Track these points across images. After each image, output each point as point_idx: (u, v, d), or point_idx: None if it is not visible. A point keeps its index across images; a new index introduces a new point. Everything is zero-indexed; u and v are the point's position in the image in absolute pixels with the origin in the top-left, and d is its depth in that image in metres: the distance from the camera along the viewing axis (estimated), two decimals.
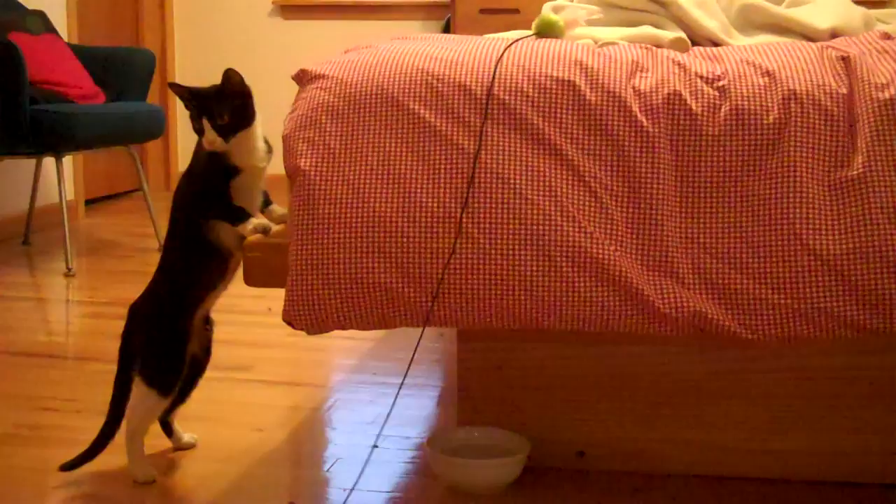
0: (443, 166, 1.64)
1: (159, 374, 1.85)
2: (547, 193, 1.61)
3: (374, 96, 1.70)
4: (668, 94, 1.66)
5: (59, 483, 1.86)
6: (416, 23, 5.70)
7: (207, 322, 1.96)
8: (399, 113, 1.68)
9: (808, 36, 2.11)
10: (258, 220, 1.79)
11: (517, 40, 1.81)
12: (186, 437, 2.03)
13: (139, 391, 1.85)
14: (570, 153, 1.63)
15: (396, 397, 2.30)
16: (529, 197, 1.61)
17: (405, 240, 1.62)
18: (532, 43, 1.79)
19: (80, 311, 3.26)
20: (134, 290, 1.96)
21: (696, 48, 1.98)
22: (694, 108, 1.64)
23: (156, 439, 1.98)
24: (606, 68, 1.69)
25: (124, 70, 4.30)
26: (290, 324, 1.69)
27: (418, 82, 1.69)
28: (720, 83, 1.68)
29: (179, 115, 5.84)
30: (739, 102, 1.64)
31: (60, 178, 3.83)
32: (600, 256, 1.59)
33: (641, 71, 1.71)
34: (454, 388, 2.06)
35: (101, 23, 5.43)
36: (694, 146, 1.63)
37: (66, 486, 1.85)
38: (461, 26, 4.33)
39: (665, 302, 1.59)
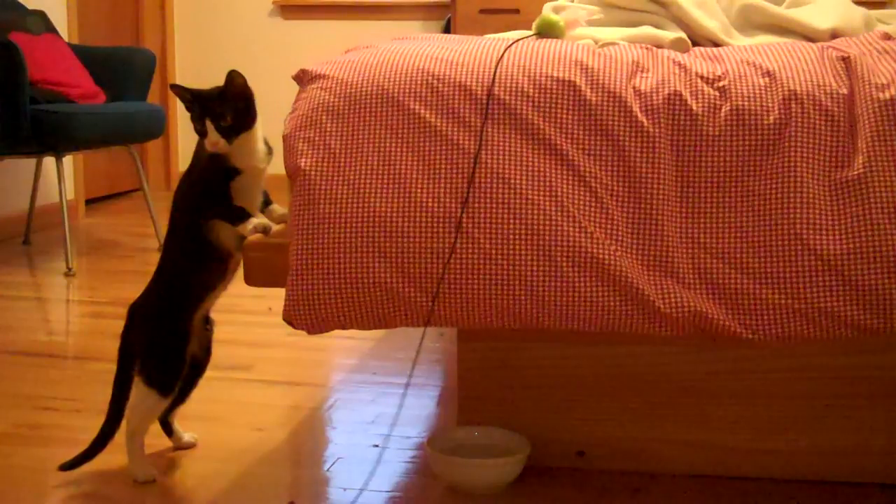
0: (443, 166, 1.64)
1: (159, 373, 1.85)
2: (547, 193, 1.61)
3: (374, 96, 1.70)
4: (669, 94, 1.66)
5: (59, 482, 1.86)
6: (416, 23, 5.70)
7: (207, 322, 1.96)
8: (399, 113, 1.68)
9: (809, 36, 2.11)
10: (258, 220, 1.79)
11: (517, 40, 1.81)
12: (186, 436, 2.03)
13: (139, 391, 1.85)
14: (570, 153, 1.63)
15: (404, 397, 2.31)
16: (530, 197, 1.61)
17: (405, 239, 1.62)
18: (532, 43, 1.79)
19: (81, 310, 3.26)
20: (134, 289, 1.96)
21: (696, 48, 1.98)
22: (694, 108, 1.65)
23: (156, 439, 1.98)
24: (607, 68, 1.69)
25: (124, 70, 4.30)
26: (290, 323, 1.69)
27: (419, 82, 1.69)
28: (721, 83, 1.68)
29: (179, 114, 5.84)
30: (740, 103, 1.64)
31: (60, 177, 3.83)
32: (600, 256, 1.59)
33: (642, 71, 1.71)
34: (454, 388, 2.06)
35: (101, 22, 5.43)
36: (694, 146, 1.63)
37: (66, 485, 1.85)
38: (461, 26, 4.33)
39: (665, 302, 1.59)
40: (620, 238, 1.61)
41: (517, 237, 1.60)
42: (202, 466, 1.94)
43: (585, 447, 1.91)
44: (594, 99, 1.65)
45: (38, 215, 4.43)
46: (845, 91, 1.66)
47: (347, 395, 2.35)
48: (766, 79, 1.68)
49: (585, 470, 1.91)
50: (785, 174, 1.61)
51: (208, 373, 1.99)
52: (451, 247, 1.61)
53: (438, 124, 1.66)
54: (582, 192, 1.62)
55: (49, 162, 4.49)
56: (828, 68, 1.70)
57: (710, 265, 1.61)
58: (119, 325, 1.89)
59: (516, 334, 1.90)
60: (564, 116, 1.65)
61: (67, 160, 4.74)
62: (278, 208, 1.91)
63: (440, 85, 1.68)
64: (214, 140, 1.76)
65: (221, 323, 2.06)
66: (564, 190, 1.62)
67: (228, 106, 1.76)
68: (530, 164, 1.63)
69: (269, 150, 1.86)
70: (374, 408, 2.26)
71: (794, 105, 1.64)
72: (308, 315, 1.66)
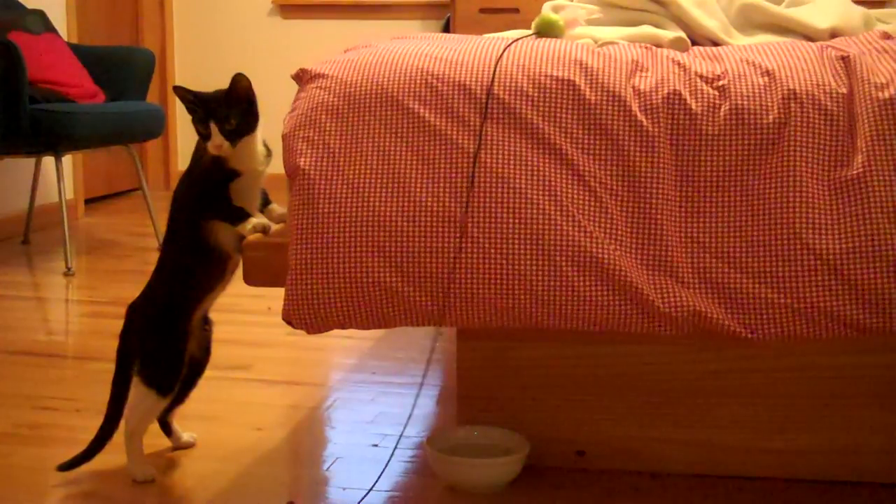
0: (442, 165, 1.64)
1: (158, 374, 1.85)
2: (547, 193, 1.61)
3: (373, 95, 1.70)
4: (668, 93, 1.66)
5: (58, 482, 1.86)
6: (415, 22, 5.70)
7: (206, 322, 1.96)
8: (399, 112, 1.68)
9: (808, 36, 2.11)
10: (257, 220, 1.79)
11: (517, 40, 1.81)
12: (186, 436, 2.03)
13: (138, 391, 1.85)
14: (569, 152, 1.63)
15: (417, 397, 2.31)
16: (529, 196, 1.61)
17: (405, 239, 1.62)
18: (532, 42, 1.79)
19: (80, 310, 3.26)
20: (133, 289, 1.96)
21: (695, 48, 1.98)
22: (694, 107, 1.64)
23: (155, 438, 1.98)
24: (606, 68, 1.69)
25: (124, 69, 4.30)
26: (289, 323, 1.69)
27: (418, 82, 1.69)
28: (720, 83, 1.68)
29: (179, 114, 5.84)
30: (739, 102, 1.64)
31: (60, 177, 3.83)
32: (600, 256, 1.59)
33: (641, 70, 1.71)
34: (453, 387, 2.06)
35: (100, 22, 5.43)
36: (694, 145, 1.63)
37: (66, 484, 1.85)
38: (461, 26, 4.34)
39: (664, 301, 1.59)
40: (620, 237, 1.61)
41: (516, 236, 1.60)
42: (201, 466, 1.94)
43: (585, 446, 1.91)
44: (593, 98, 1.65)
45: (37, 215, 4.43)
46: (845, 90, 1.66)
47: (347, 395, 2.35)
48: (766, 78, 1.68)
49: (585, 469, 1.91)
50: (784, 173, 1.61)
51: (207, 372, 1.99)
52: (450, 246, 1.61)
53: (438, 123, 1.66)
54: (581, 192, 1.62)
55: (48, 161, 4.49)
56: (827, 68, 1.70)
57: (710, 264, 1.61)
58: (118, 325, 1.89)
59: (516, 333, 1.90)
60: (564, 116, 1.65)
61: (67, 160, 4.74)
62: (277, 208, 1.91)
63: (439, 84, 1.68)
64: (218, 143, 1.76)
65: (220, 322, 2.06)
66: (563, 189, 1.62)
67: (233, 109, 1.76)
68: (529, 163, 1.63)
69: (269, 153, 1.86)
70: (374, 407, 2.26)
71: (793, 104, 1.64)
72: (307, 314, 1.66)
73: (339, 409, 2.26)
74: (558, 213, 1.60)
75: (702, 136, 1.63)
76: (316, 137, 1.69)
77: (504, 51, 1.74)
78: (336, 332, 1.74)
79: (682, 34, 2.01)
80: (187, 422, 2.07)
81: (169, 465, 1.95)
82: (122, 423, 1.88)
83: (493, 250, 1.60)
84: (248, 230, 1.77)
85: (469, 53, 1.74)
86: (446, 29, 5.02)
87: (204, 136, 1.77)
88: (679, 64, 1.72)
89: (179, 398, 1.96)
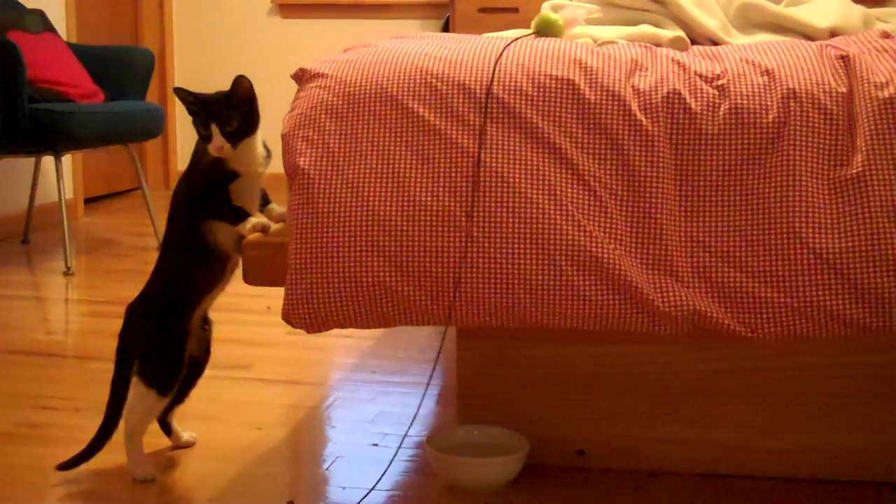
0: (442, 165, 1.64)
1: (158, 373, 1.85)
2: (546, 192, 1.61)
3: (373, 95, 1.70)
4: (668, 92, 1.66)
5: (58, 481, 1.86)
6: (415, 21, 5.70)
7: (206, 322, 1.96)
8: (398, 112, 1.68)
9: (808, 35, 2.11)
10: (257, 219, 1.79)
11: (516, 39, 1.81)
12: (185, 435, 2.03)
13: (138, 391, 1.85)
14: (569, 152, 1.63)
15: (423, 397, 2.31)
16: (529, 195, 1.61)
17: (404, 238, 1.62)
18: (531, 42, 1.79)
19: (79, 309, 3.26)
20: (133, 288, 1.96)
21: (695, 47, 1.98)
22: (693, 106, 1.64)
23: (155, 438, 1.98)
24: (606, 67, 1.69)
25: (123, 69, 4.29)
26: (289, 322, 1.69)
27: (418, 81, 1.69)
28: (719, 82, 1.68)
29: (179, 114, 5.84)
30: (739, 101, 1.64)
31: (59, 176, 3.83)
32: (600, 255, 1.59)
33: (641, 70, 1.71)
34: (454, 386, 2.06)
35: (100, 21, 5.43)
36: (693, 145, 1.63)
37: (65, 483, 1.85)
38: (460, 25, 4.34)
39: (665, 301, 1.59)
40: (619, 237, 1.61)
41: (516, 236, 1.60)
42: (201, 465, 1.94)
43: (585, 446, 1.91)
44: (593, 98, 1.65)
45: (36, 214, 4.42)
46: (844, 90, 1.66)
47: (347, 394, 2.35)
48: (765, 77, 1.68)
49: (585, 469, 1.91)
50: (784, 173, 1.61)
51: (207, 371, 1.99)
52: (448, 245, 1.61)
53: (437, 123, 1.66)
54: (581, 191, 1.62)
55: (48, 161, 4.49)
56: (827, 67, 1.70)
57: (710, 264, 1.61)
58: (118, 325, 1.89)
59: (516, 333, 1.89)
60: (563, 115, 1.65)
61: (66, 159, 4.73)
62: (277, 207, 1.91)
63: (439, 84, 1.68)
64: (220, 145, 1.76)
65: (220, 322, 2.06)
66: (563, 188, 1.62)
67: (234, 111, 1.76)
68: (529, 162, 1.63)
69: (268, 154, 1.86)
70: (374, 406, 2.26)
71: (792, 103, 1.64)
72: (307, 314, 1.66)
73: (339, 409, 2.26)
74: (558, 212, 1.60)
75: (701, 135, 1.63)
76: (316, 137, 1.69)
77: (504, 50, 1.74)
78: (336, 331, 1.74)
79: (682, 33, 2.01)
80: (187, 421, 2.07)
81: (169, 464, 1.95)
82: (122, 423, 1.88)
83: (492, 249, 1.60)
84: (247, 230, 1.77)
85: (468, 53, 1.74)
86: (446, 28, 5.02)
87: (205, 138, 1.77)
88: (679, 63, 1.72)
89: (179, 398, 1.95)
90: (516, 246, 1.60)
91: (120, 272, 3.74)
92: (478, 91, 1.67)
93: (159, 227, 4.16)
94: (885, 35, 1.83)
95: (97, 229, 4.66)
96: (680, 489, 1.83)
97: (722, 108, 1.64)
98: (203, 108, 1.76)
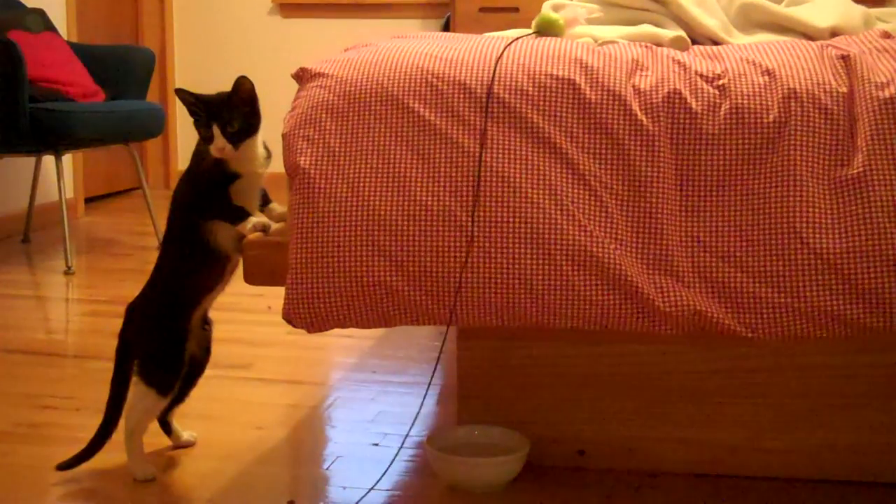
0: (442, 165, 1.64)
1: (158, 373, 1.85)
2: (547, 192, 1.61)
3: (374, 95, 1.70)
4: (669, 92, 1.66)
5: (58, 480, 1.86)
6: (415, 21, 5.70)
7: (206, 322, 1.96)
8: (399, 111, 1.68)
9: (808, 35, 2.11)
10: (257, 219, 1.79)
11: (517, 39, 1.81)
12: (186, 435, 2.03)
13: (138, 390, 1.85)
14: (570, 152, 1.63)
15: (425, 396, 2.30)
16: (529, 195, 1.61)
17: (404, 237, 1.62)
18: (532, 41, 1.79)
19: (80, 309, 3.26)
20: (133, 288, 1.96)
21: (695, 47, 1.98)
22: (694, 106, 1.64)
23: (155, 437, 1.98)
24: (606, 67, 1.69)
25: (124, 68, 4.29)
26: (289, 322, 1.69)
27: (418, 81, 1.69)
28: (720, 82, 1.68)
29: (179, 113, 5.84)
30: (739, 101, 1.64)
31: (60, 176, 3.83)
32: (600, 255, 1.59)
33: (641, 69, 1.71)
34: (454, 386, 2.06)
35: (100, 21, 5.43)
36: (694, 145, 1.63)
37: (65, 483, 1.85)
38: (461, 25, 4.33)
39: (665, 300, 1.59)
40: (620, 236, 1.61)
41: (516, 236, 1.60)
42: (201, 465, 1.94)
43: (585, 446, 1.91)
44: (594, 97, 1.65)
45: (37, 214, 4.42)
46: (845, 90, 1.66)
47: (347, 394, 2.35)
48: (766, 77, 1.68)
49: (586, 469, 1.91)
50: (784, 173, 1.61)
51: (207, 371, 1.98)
52: (449, 244, 1.61)
53: (438, 123, 1.66)
54: (581, 191, 1.62)
55: (48, 160, 4.49)
56: (827, 67, 1.70)
57: (710, 264, 1.61)
58: (118, 324, 1.89)
59: (516, 332, 1.89)
60: (564, 115, 1.65)
61: (67, 159, 4.73)
62: (277, 207, 1.90)
63: (440, 83, 1.68)
64: (221, 146, 1.76)
65: (220, 321, 2.06)
66: (564, 188, 1.62)
67: (236, 112, 1.76)
68: (530, 162, 1.63)
69: (269, 154, 1.86)
70: (374, 406, 2.26)
71: (793, 103, 1.64)
72: (307, 313, 1.66)
73: (340, 408, 2.26)
74: (558, 211, 1.60)
75: (702, 135, 1.63)
76: (316, 136, 1.69)
77: (504, 50, 1.74)
78: (336, 330, 1.74)
79: (683, 33, 2.01)
80: (187, 420, 2.07)
81: (169, 463, 1.95)
82: (122, 422, 1.88)
83: (492, 249, 1.60)
84: (248, 229, 1.77)
85: (469, 52, 1.74)
86: (446, 28, 5.02)
87: (206, 139, 1.77)
88: (679, 63, 1.72)
89: (179, 397, 1.95)
90: (517, 246, 1.60)
91: (120, 272, 3.74)
92: (478, 91, 1.67)
93: (159, 227, 4.16)
94: (886, 35, 1.83)
95: (97, 229, 4.66)
96: (680, 490, 1.83)
97: (723, 108, 1.64)
98: (204, 109, 1.76)
